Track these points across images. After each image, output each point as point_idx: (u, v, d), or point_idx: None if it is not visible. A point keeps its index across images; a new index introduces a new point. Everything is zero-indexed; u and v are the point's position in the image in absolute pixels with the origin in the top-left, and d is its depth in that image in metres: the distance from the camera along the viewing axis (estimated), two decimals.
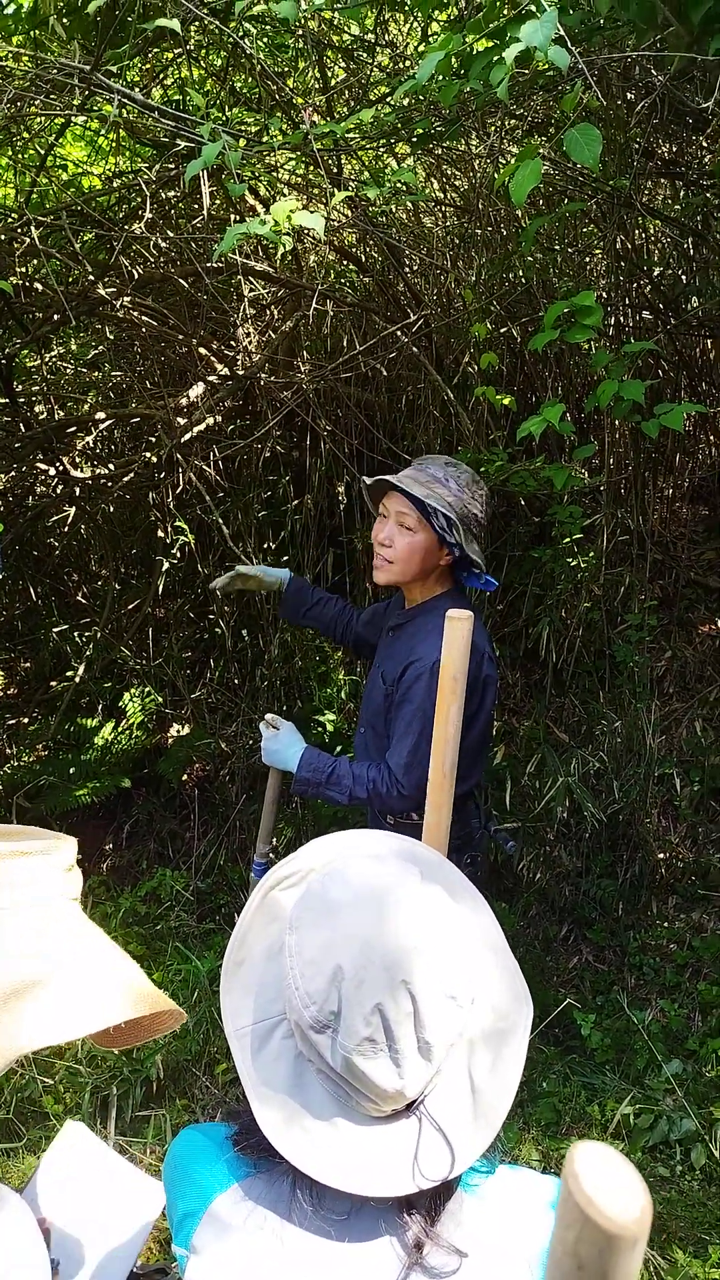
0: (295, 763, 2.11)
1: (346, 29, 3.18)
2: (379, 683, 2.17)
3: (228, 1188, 0.91)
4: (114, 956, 0.96)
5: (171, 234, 3.28)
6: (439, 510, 2.00)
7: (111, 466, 3.98)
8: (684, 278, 4.03)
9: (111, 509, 4.09)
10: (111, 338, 3.87)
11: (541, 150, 2.94)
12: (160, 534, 3.98)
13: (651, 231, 3.97)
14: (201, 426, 3.48)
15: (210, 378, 3.58)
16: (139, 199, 2.98)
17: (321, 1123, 0.87)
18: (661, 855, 3.45)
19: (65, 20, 2.74)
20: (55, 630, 4.20)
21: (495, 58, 1.74)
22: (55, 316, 3.23)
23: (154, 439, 3.88)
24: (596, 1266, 0.48)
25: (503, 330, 3.70)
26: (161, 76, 3.26)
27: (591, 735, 3.61)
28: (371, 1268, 0.86)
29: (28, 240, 2.76)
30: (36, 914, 0.92)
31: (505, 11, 1.83)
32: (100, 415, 3.73)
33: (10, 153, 3.22)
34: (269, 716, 2.20)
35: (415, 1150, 0.86)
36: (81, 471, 4.01)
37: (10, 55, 2.58)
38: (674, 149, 3.50)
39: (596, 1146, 0.50)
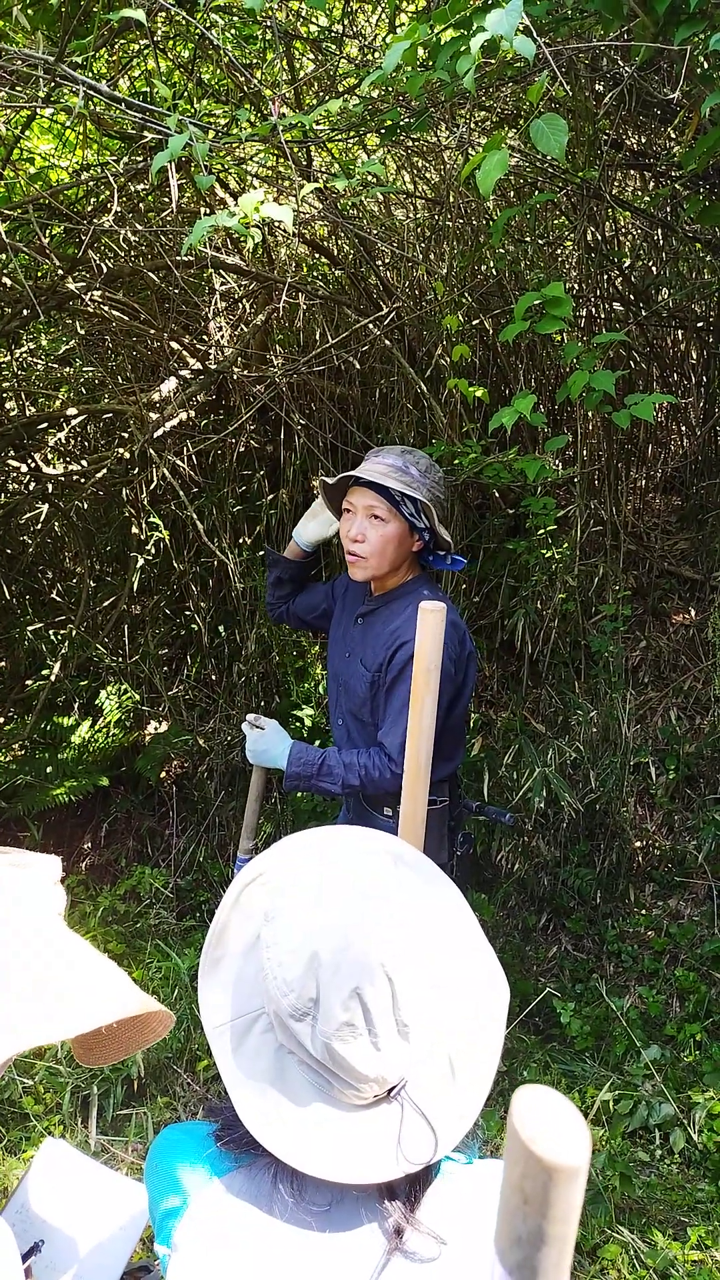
0: (284, 760, 2.13)
1: (314, 20, 3.16)
2: (360, 671, 2.17)
3: (209, 1184, 0.91)
4: (105, 961, 0.97)
5: (141, 227, 3.26)
6: (407, 497, 2.01)
7: (84, 463, 3.95)
8: (654, 269, 4.05)
9: (85, 506, 4.05)
10: (82, 333, 3.83)
11: (511, 142, 2.95)
12: (135, 530, 3.95)
13: (621, 223, 3.98)
14: (174, 421, 3.46)
15: (183, 372, 3.55)
16: (107, 192, 2.95)
17: (304, 1113, 0.87)
18: (638, 843, 3.48)
19: (29, 11, 2.71)
20: (30, 629, 4.16)
21: (461, 48, 1.74)
22: (24, 311, 3.20)
23: (127, 435, 3.85)
24: (540, 1199, 0.51)
25: (474, 322, 3.70)
26: (128, 68, 3.23)
27: (568, 725, 3.63)
28: (353, 1256, 0.87)
29: None
30: (33, 920, 0.93)
31: (472, 1, 1.83)
32: (72, 411, 3.70)
33: None
34: (251, 716, 2.20)
35: (398, 1134, 0.87)
36: (54, 468, 3.97)
37: None
38: (642, 140, 3.52)
39: (539, 1089, 0.53)
